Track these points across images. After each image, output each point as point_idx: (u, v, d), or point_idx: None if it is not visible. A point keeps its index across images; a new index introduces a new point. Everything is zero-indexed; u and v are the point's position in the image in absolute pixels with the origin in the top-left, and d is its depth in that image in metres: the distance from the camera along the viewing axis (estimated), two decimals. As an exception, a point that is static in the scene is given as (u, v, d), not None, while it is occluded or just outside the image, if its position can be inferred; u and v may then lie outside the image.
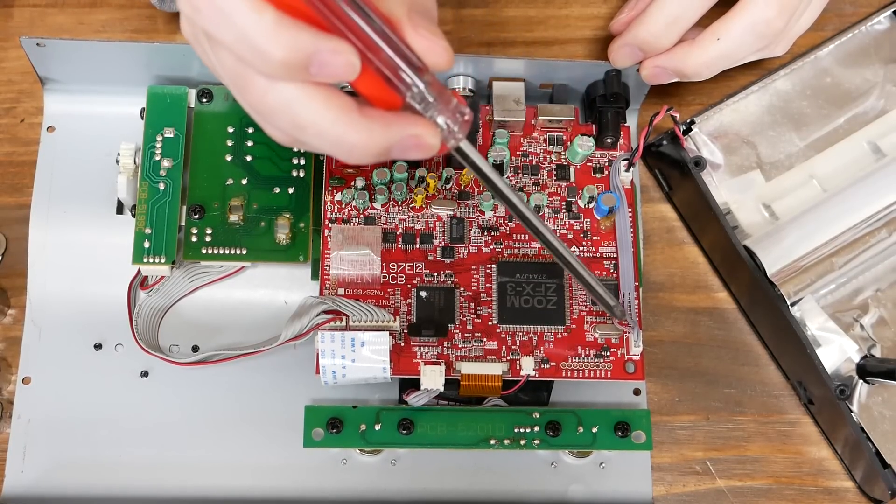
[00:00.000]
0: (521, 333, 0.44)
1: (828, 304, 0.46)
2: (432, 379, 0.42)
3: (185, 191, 0.45)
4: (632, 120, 0.49)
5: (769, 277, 0.45)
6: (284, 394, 0.45)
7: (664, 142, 0.47)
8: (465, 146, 0.34)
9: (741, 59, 0.44)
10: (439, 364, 0.43)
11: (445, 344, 0.44)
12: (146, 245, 0.44)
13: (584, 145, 0.46)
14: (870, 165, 0.47)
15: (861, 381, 0.45)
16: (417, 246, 0.45)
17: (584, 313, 0.44)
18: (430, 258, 0.45)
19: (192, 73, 0.46)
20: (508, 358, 0.44)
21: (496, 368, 0.43)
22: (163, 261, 0.44)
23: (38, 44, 0.44)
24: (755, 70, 0.48)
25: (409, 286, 0.44)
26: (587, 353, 0.44)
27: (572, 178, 0.47)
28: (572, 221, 0.46)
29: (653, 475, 0.46)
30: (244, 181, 0.46)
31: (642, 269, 0.48)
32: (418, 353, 0.43)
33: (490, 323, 0.44)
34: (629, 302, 0.44)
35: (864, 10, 0.51)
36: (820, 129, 0.48)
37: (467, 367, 0.43)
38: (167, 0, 0.48)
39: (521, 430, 0.43)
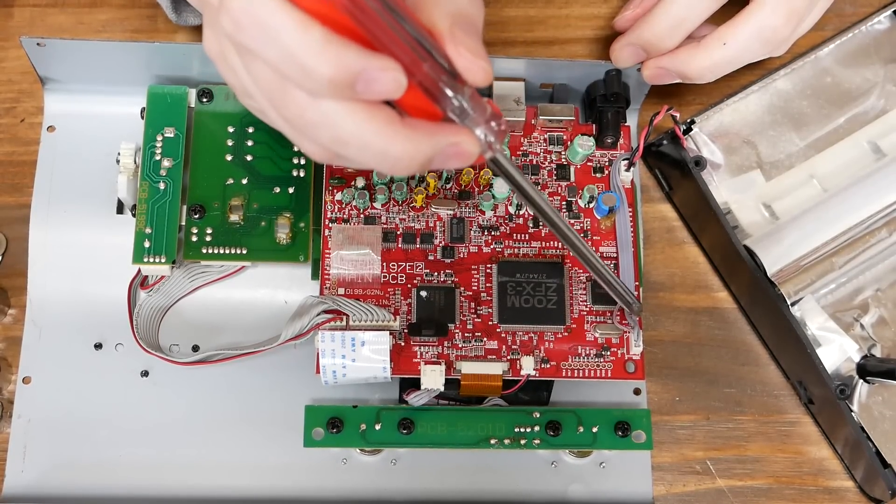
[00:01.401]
0: (521, 333, 0.44)
1: (828, 303, 0.46)
2: (432, 378, 0.42)
3: (185, 190, 0.45)
4: (632, 120, 0.49)
5: (769, 277, 0.45)
6: (285, 393, 0.45)
7: (664, 141, 0.47)
8: (501, 158, 0.33)
9: (745, 63, 0.44)
10: (439, 364, 0.43)
11: (446, 343, 0.44)
12: (146, 245, 0.44)
13: (584, 145, 0.46)
14: (870, 165, 0.47)
15: (861, 380, 0.45)
16: (418, 245, 0.45)
17: (585, 313, 0.44)
18: (431, 258, 0.45)
19: (193, 73, 0.46)
20: (509, 357, 0.44)
21: (496, 368, 0.43)
22: (163, 260, 0.44)
23: (38, 43, 0.44)
24: (755, 70, 0.48)
25: (409, 286, 0.44)
26: (587, 352, 0.44)
27: (572, 178, 0.47)
28: (572, 221, 0.46)
29: (653, 475, 0.46)
30: (244, 181, 0.46)
31: (642, 268, 0.48)
32: (418, 352, 0.43)
33: (490, 322, 0.44)
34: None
35: (864, 9, 0.51)
36: (820, 129, 0.48)
37: (467, 367, 0.43)
38: (185, 13, 0.47)
39: (522, 430, 0.43)
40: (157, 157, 0.45)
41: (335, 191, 0.45)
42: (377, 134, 0.31)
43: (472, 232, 0.45)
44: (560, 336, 0.44)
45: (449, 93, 0.31)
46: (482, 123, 0.32)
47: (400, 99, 0.32)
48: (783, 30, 0.42)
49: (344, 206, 0.45)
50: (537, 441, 0.43)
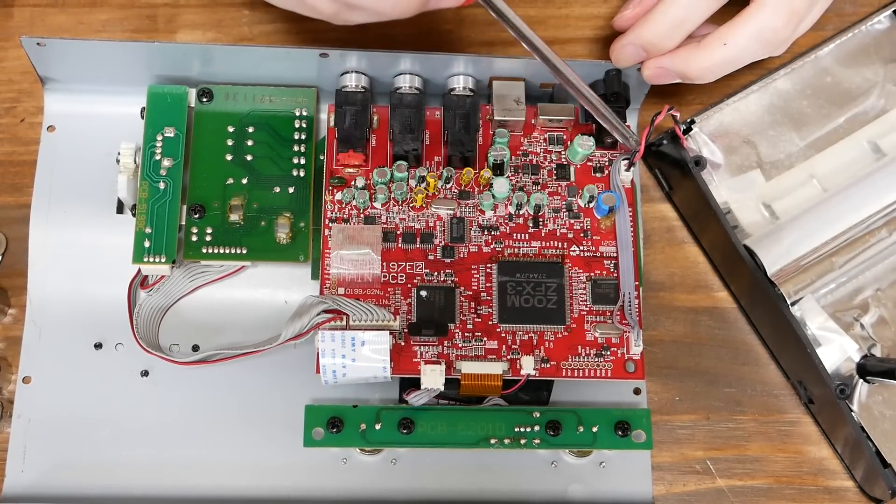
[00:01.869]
0: (521, 333, 0.44)
1: (828, 303, 0.46)
2: (432, 378, 0.42)
3: (185, 190, 0.45)
4: (632, 119, 0.49)
5: (769, 277, 0.45)
6: (285, 393, 0.45)
7: (664, 141, 0.47)
8: None
9: (745, 64, 0.44)
10: (439, 363, 0.43)
11: (446, 343, 0.44)
12: (146, 244, 0.44)
13: (584, 145, 0.46)
14: (870, 165, 0.47)
15: (861, 380, 0.45)
16: (418, 245, 0.45)
17: (585, 313, 0.44)
18: (431, 257, 0.45)
19: (193, 73, 0.46)
20: (509, 357, 0.44)
21: (496, 368, 0.43)
22: (163, 260, 0.44)
23: (38, 43, 0.44)
24: (755, 70, 0.48)
25: (409, 285, 0.44)
26: (587, 352, 0.44)
27: (572, 178, 0.47)
28: (572, 221, 0.46)
29: (653, 474, 0.46)
30: (244, 181, 0.46)
31: (642, 268, 0.48)
32: (418, 352, 0.43)
33: (490, 322, 0.44)
34: (629, 301, 0.44)
35: (864, 9, 0.51)
36: (820, 129, 0.48)
37: (467, 367, 0.43)
38: None
39: (522, 430, 0.43)
40: (157, 157, 0.45)
41: (335, 190, 0.45)
42: None
43: (472, 232, 0.45)
44: (560, 336, 0.44)
45: None
46: None
47: None
48: (784, 31, 0.42)
49: (344, 205, 0.45)
50: (537, 441, 0.43)
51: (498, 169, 0.46)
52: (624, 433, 0.44)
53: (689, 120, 0.47)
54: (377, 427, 0.43)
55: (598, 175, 0.47)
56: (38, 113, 0.48)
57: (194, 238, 0.45)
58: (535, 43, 0.40)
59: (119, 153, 0.45)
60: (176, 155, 0.45)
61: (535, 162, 0.47)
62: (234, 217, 0.45)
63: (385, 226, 0.45)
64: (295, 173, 0.46)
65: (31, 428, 0.45)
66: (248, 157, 0.46)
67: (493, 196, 0.45)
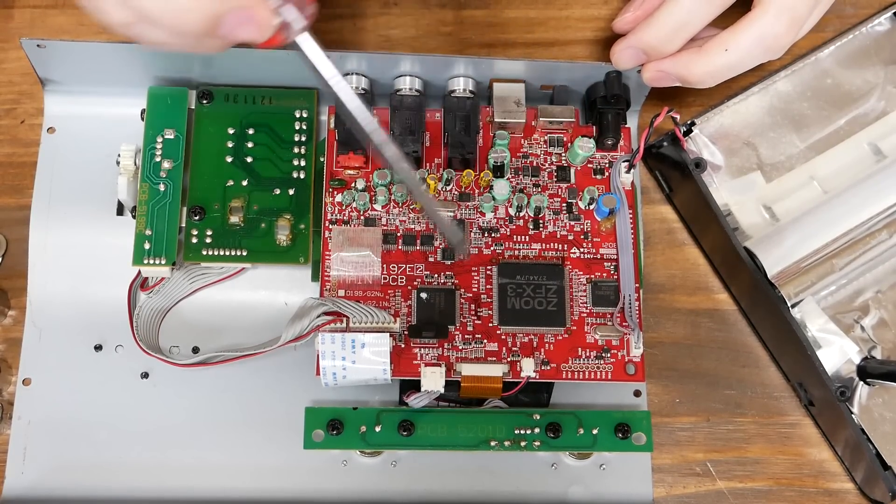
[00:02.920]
0: (521, 335, 0.44)
1: (828, 305, 0.46)
2: (433, 380, 0.42)
3: (185, 192, 0.45)
4: (632, 121, 0.49)
5: (770, 279, 0.45)
6: (285, 395, 0.45)
7: (665, 143, 0.47)
8: (304, 39, 0.33)
9: (746, 69, 0.44)
10: (440, 365, 0.43)
11: (446, 345, 0.44)
12: (146, 246, 0.44)
13: (584, 147, 0.46)
14: (870, 167, 0.47)
15: (861, 382, 0.45)
16: (418, 247, 0.45)
17: (585, 315, 0.44)
18: (431, 259, 0.45)
19: (193, 75, 0.46)
20: (509, 359, 0.44)
21: (496, 370, 0.43)
22: (163, 262, 0.44)
23: (38, 45, 0.44)
24: (755, 72, 0.47)
25: (409, 288, 0.44)
26: (587, 354, 0.44)
27: (573, 180, 0.47)
28: (573, 223, 0.46)
29: (653, 476, 0.46)
30: (244, 182, 0.46)
31: (643, 270, 0.48)
32: (419, 354, 0.43)
33: (490, 324, 0.44)
34: (630, 303, 0.44)
35: (864, 11, 0.51)
36: (820, 131, 0.48)
37: (468, 369, 0.43)
38: None
39: (522, 432, 0.43)
40: (158, 159, 0.45)
41: (335, 192, 0.45)
42: None
43: (472, 234, 0.45)
44: (560, 338, 0.44)
45: None
46: (284, 1, 0.32)
47: None
48: (785, 36, 0.42)
49: (344, 207, 0.45)
50: (537, 443, 0.43)
51: (498, 171, 0.46)
52: (624, 435, 0.44)
53: (689, 122, 0.47)
54: (377, 429, 0.43)
55: (598, 177, 0.47)
56: (38, 114, 0.48)
57: (194, 240, 0.45)
58: (350, 104, 0.36)
59: (119, 155, 0.45)
60: (176, 157, 0.45)
61: (535, 164, 0.47)
62: (234, 219, 0.45)
63: (385, 228, 0.45)
64: (295, 175, 0.46)
65: (31, 429, 0.45)
66: (249, 159, 0.46)
67: (494, 198, 0.45)
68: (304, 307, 0.43)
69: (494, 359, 0.44)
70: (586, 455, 0.45)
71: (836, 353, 0.45)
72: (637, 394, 0.47)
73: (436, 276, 0.45)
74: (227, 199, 0.45)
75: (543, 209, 0.46)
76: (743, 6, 0.43)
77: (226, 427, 0.45)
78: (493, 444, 0.43)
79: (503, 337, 0.44)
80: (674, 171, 0.48)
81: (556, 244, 0.45)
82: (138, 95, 0.46)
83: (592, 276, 0.45)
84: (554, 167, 0.47)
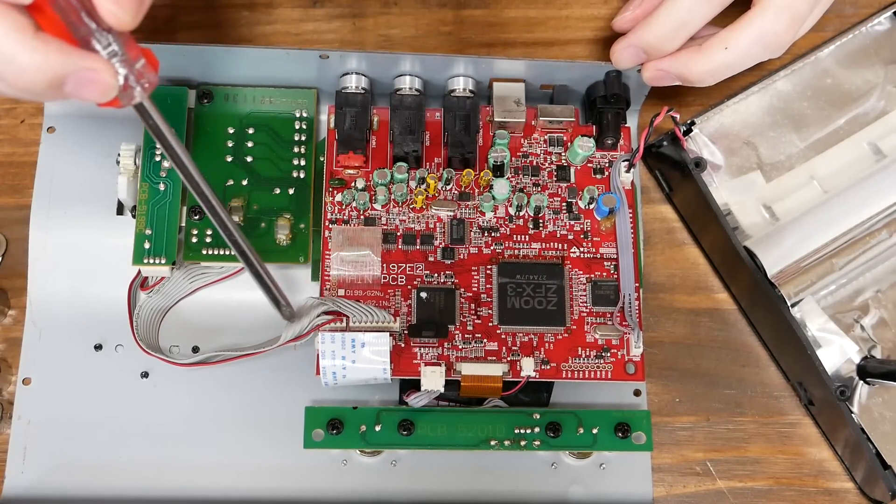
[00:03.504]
0: (521, 334, 0.44)
1: (828, 305, 0.46)
2: (433, 380, 0.42)
3: (185, 191, 0.45)
4: (632, 121, 0.49)
5: (769, 278, 0.45)
6: (285, 395, 0.45)
7: (664, 143, 0.47)
8: (147, 105, 0.34)
9: (745, 68, 0.44)
10: (439, 365, 0.43)
11: (446, 345, 0.44)
12: (146, 246, 0.44)
13: (584, 146, 0.46)
14: (870, 166, 0.47)
15: (861, 382, 0.45)
16: (418, 247, 0.45)
17: (585, 314, 0.44)
18: (431, 259, 0.45)
19: (192, 74, 0.46)
20: (509, 359, 0.44)
21: (496, 369, 0.43)
22: (163, 262, 0.44)
23: (38, 45, 0.44)
24: (755, 71, 0.47)
25: (409, 287, 0.44)
26: (587, 354, 0.44)
27: (573, 179, 0.47)
28: (572, 222, 0.46)
29: (653, 476, 0.46)
30: (244, 182, 0.46)
31: (643, 269, 0.48)
32: (418, 354, 0.43)
33: (490, 324, 0.44)
34: (630, 303, 0.44)
35: (864, 10, 0.51)
36: (820, 130, 0.48)
37: (467, 368, 0.43)
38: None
39: (522, 431, 0.43)
40: (157, 159, 0.45)
41: (335, 192, 0.45)
42: (4, 37, 0.31)
43: (472, 233, 0.45)
44: (560, 337, 0.44)
45: (86, 20, 0.31)
46: (129, 67, 0.32)
47: (39, 18, 0.32)
48: (785, 35, 0.42)
49: (344, 207, 0.45)
50: (537, 442, 0.43)
51: (498, 170, 0.46)
52: (624, 435, 0.44)
53: (689, 121, 0.47)
54: (377, 428, 0.43)
55: (598, 176, 0.47)
56: (38, 114, 0.48)
57: (194, 239, 0.45)
58: (185, 163, 0.36)
59: (119, 154, 0.45)
60: (176, 156, 0.45)
61: (535, 163, 0.47)
62: (234, 218, 0.45)
63: (385, 227, 0.45)
64: (295, 175, 0.46)
65: (31, 429, 0.45)
66: (248, 159, 0.46)
67: (494, 197, 0.45)
68: (304, 307, 0.43)
69: (494, 358, 0.44)
70: (586, 454, 0.45)
71: (836, 353, 0.45)
72: (637, 393, 0.47)
73: (436, 275, 0.45)
74: (226, 199, 0.45)
75: (543, 209, 0.46)
76: (743, 5, 0.43)
77: (226, 427, 0.45)
78: (492, 443, 0.43)
79: (503, 336, 0.44)
80: (674, 170, 0.48)
81: (555, 244, 0.45)
82: (138, 95, 0.46)
83: (592, 276, 0.45)
84: (554, 167, 0.47)
